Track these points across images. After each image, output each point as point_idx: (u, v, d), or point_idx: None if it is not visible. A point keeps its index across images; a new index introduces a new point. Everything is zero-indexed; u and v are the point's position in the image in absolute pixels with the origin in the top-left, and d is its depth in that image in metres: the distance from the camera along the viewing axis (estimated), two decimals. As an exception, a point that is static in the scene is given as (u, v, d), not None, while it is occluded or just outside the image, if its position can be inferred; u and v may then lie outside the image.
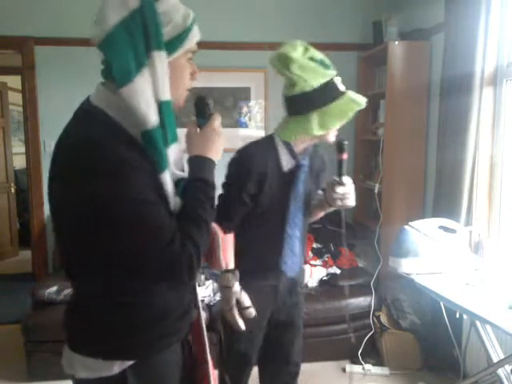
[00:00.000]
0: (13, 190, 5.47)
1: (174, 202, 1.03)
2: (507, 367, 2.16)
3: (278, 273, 1.74)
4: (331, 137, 1.67)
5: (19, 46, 3.41)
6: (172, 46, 1.01)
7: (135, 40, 0.96)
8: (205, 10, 3.57)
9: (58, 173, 1.00)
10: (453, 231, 2.38)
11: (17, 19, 3.39)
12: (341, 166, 1.61)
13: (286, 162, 1.66)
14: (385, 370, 2.91)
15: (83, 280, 1.12)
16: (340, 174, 1.62)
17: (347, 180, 1.62)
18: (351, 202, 1.65)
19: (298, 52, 1.55)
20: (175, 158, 1.05)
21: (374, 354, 3.04)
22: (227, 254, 1.28)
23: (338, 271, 3.23)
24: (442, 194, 2.83)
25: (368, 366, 2.94)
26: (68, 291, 2.92)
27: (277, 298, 1.79)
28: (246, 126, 3.66)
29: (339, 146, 1.62)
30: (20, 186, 5.69)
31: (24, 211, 5.36)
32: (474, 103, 2.56)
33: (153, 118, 0.98)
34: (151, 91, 0.98)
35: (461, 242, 2.38)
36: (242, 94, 3.61)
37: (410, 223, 2.34)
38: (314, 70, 1.53)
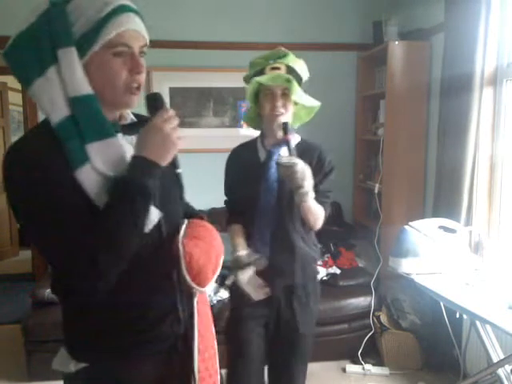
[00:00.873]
0: (13, 190, 5.47)
1: (102, 200, 0.98)
2: (507, 367, 2.16)
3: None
4: (270, 118, 1.77)
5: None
6: (86, 41, 0.97)
7: (39, 43, 0.97)
8: (204, 11, 3.59)
9: None
10: (453, 231, 2.38)
11: (17, 19, 3.38)
12: (288, 147, 1.68)
13: (262, 153, 1.85)
14: (385, 370, 2.91)
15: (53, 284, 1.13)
16: (290, 154, 1.68)
17: (292, 160, 1.62)
18: (296, 181, 1.61)
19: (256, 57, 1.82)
20: (108, 156, 0.99)
21: (374, 354, 3.04)
22: (199, 271, 1.07)
23: (338, 271, 3.23)
24: (442, 194, 2.82)
25: (368, 366, 2.94)
26: (68, 291, 2.93)
27: (271, 302, 1.78)
28: (246, 126, 3.66)
29: (283, 128, 1.71)
30: (20, 186, 5.68)
31: (24, 211, 5.34)
32: (473, 103, 2.56)
33: (58, 113, 0.97)
34: (58, 89, 0.97)
35: (461, 242, 2.38)
36: (242, 94, 3.61)
37: (410, 223, 2.34)
38: (254, 64, 1.80)
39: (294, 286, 1.83)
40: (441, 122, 2.86)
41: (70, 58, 0.97)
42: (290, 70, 1.76)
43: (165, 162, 1.01)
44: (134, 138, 1.07)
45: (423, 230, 2.30)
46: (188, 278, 1.06)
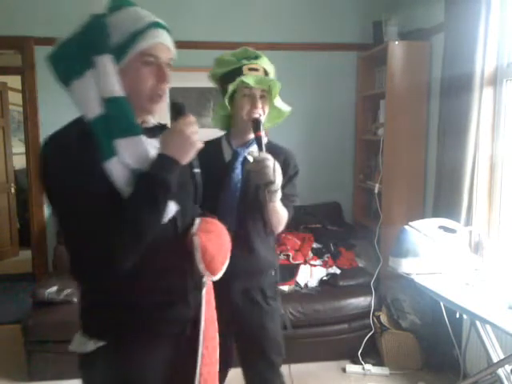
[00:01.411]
0: (13, 190, 5.48)
1: (126, 190, 1.09)
2: (507, 367, 2.16)
3: None
4: (246, 119, 1.73)
5: (19, 46, 3.41)
6: (120, 51, 1.11)
7: (80, 49, 1.11)
8: (205, 11, 3.59)
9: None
10: (453, 231, 2.38)
11: (17, 19, 3.39)
12: (259, 143, 1.66)
13: (227, 154, 1.82)
14: (385, 370, 2.91)
15: (70, 264, 1.20)
16: (260, 150, 1.66)
17: (263, 155, 1.62)
18: (267, 177, 1.59)
19: (223, 54, 1.80)
20: (134, 151, 1.11)
21: (374, 354, 3.04)
22: (211, 261, 1.21)
23: (338, 271, 3.23)
24: (442, 194, 2.82)
25: (368, 366, 2.94)
26: (68, 291, 2.93)
27: (227, 296, 1.73)
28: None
29: (255, 125, 1.68)
30: (20, 186, 5.68)
31: (24, 211, 5.35)
32: (473, 103, 2.56)
33: (92, 111, 1.09)
34: (95, 90, 1.10)
35: (461, 242, 2.38)
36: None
37: (410, 223, 2.34)
38: (223, 61, 1.77)
39: (253, 291, 1.80)
40: (441, 122, 2.86)
41: (106, 63, 1.10)
42: (266, 73, 1.76)
43: (184, 160, 1.15)
44: (153, 141, 1.18)
45: (423, 230, 2.30)
46: (202, 266, 1.19)
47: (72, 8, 3.44)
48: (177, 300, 1.22)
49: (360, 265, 3.35)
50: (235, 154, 1.79)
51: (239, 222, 1.75)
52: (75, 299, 2.91)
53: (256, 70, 1.73)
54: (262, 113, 1.73)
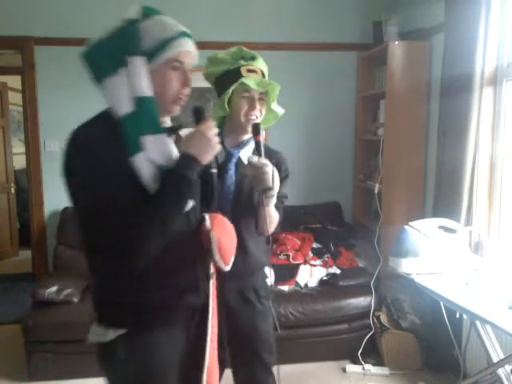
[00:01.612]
0: (13, 190, 5.48)
1: (154, 186, 1.18)
2: (507, 367, 2.16)
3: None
4: (243, 120, 1.73)
5: (19, 46, 3.41)
6: (150, 54, 1.20)
7: (113, 49, 1.20)
8: (204, 11, 3.58)
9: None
10: (453, 231, 2.38)
11: (17, 19, 3.39)
12: (258, 148, 1.65)
13: (220, 154, 1.75)
14: (385, 370, 2.91)
15: (86, 258, 1.29)
16: (259, 155, 1.65)
17: (263, 161, 1.61)
18: (266, 183, 1.60)
19: (217, 53, 1.79)
20: (159, 149, 1.20)
21: (374, 354, 3.04)
22: (227, 257, 1.34)
23: (338, 271, 3.23)
24: (442, 194, 2.82)
25: (368, 366, 2.94)
26: (68, 291, 2.93)
27: (221, 297, 1.69)
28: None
29: (254, 129, 1.67)
30: (20, 186, 5.69)
31: (24, 211, 5.35)
32: (473, 103, 2.56)
33: (123, 108, 1.18)
34: (127, 88, 1.18)
35: (461, 242, 2.38)
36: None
37: (410, 223, 2.34)
38: (219, 61, 1.76)
39: (247, 291, 1.81)
40: (441, 122, 2.86)
41: (138, 64, 1.19)
42: (263, 75, 1.76)
43: (205, 160, 1.25)
44: (170, 140, 1.27)
45: (423, 230, 2.30)
46: (218, 257, 1.30)
47: (72, 8, 3.45)
48: (189, 289, 1.32)
49: (360, 265, 3.35)
50: (229, 155, 1.77)
51: (233, 223, 1.75)
52: (75, 299, 2.91)
53: (254, 71, 1.72)
54: (259, 115, 1.73)
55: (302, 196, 3.66)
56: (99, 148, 1.15)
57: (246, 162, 1.75)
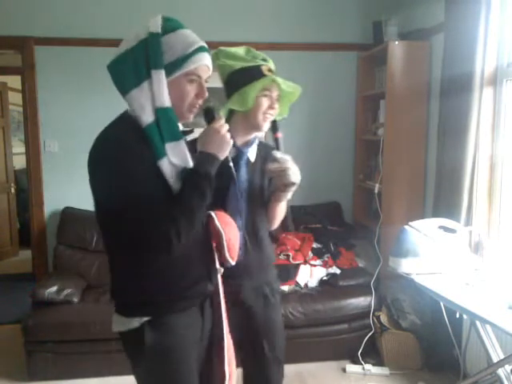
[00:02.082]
0: (13, 190, 5.48)
1: (176, 186, 1.29)
2: (507, 367, 2.16)
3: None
4: (260, 118, 1.73)
5: (19, 46, 3.41)
6: (171, 68, 1.28)
7: (137, 62, 1.27)
8: (204, 11, 3.58)
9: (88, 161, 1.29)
10: (453, 231, 2.38)
11: (17, 19, 3.39)
12: (277, 144, 1.73)
13: (230, 153, 1.74)
14: (385, 370, 2.91)
15: (108, 253, 1.38)
16: (279, 151, 1.71)
17: (285, 157, 1.67)
18: (292, 178, 1.65)
19: (230, 48, 1.84)
20: (178, 153, 1.30)
21: (374, 354, 3.04)
22: (233, 252, 1.46)
23: (338, 271, 3.23)
24: (442, 194, 2.82)
25: (368, 366, 2.94)
26: (68, 291, 2.93)
27: (239, 296, 1.75)
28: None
29: (273, 126, 1.74)
30: (20, 186, 5.69)
31: (24, 211, 5.35)
32: (473, 103, 2.56)
33: (147, 118, 1.27)
34: (149, 99, 1.27)
35: (461, 242, 2.38)
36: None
37: (410, 223, 2.34)
38: (236, 56, 1.78)
39: (263, 287, 1.82)
40: (441, 122, 2.86)
41: (160, 77, 1.27)
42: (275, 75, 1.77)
43: (222, 156, 1.37)
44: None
45: (423, 230, 2.30)
46: (227, 254, 1.44)
47: (72, 8, 3.45)
48: (202, 278, 1.42)
49: (360, 265, 3.35)
50: (240, 154, 1.78)
51: (248, 220, 1.78)
52: (75, 299, 2.92)
53: (271, 71, 1.74)
54: (274, 114, 1.76)
55: (302, 196, 3.65)
56: (132, 147, 1.23)
57: (252, 160, 1.79)
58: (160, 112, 1.28)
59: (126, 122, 1.30)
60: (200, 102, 1.36)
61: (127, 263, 1.34)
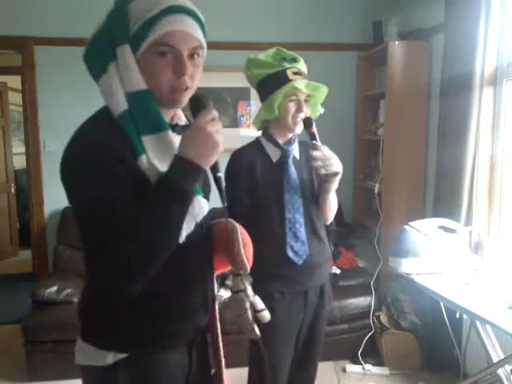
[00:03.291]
0: (13, 190, 5.47)
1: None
2: (507, 367, 2.16)
3: (285, 261, 1.76)
4: (291, 122, 1.76)
5: (19, 46, 3.41)
6: (136, 40, 1.00)
7: (103, 41, 1.02)
8: (204, 11, 3.57)
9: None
10: (453, 231, 2.38)
11: (17, 19, 3.38)
12: (314, 138, 1.74)
13: (274, 154, 1.82)
14: (385, 370, 2.91)
15: (86, 270, 1.10)
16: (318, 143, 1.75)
17: (326, 148, 1.72)
18: (335, 167, 1.70)
19: (256, 54, 1.80)
20: (161, 150, 1.01)
21: (373, 354, 3.04)
22: (249, 251, 1.21)
23: (338, 271, 3.23)
24: (442, 194, 2.82)
25: (368, 366, 2.94)
26: (68, 291, 2.93)
27: (306, 301, 1.82)
28: (246, 126, 3.66)
29: (306, 123, 1.76)
30: (20, 186, 5.68)
31: (24, 211, 5.35)
32: (474, 103, 2.56)
33: (118, 107, 1.01)
34: (119, 84, 1.01)
35: (461, 242, 2.38)
36: (242, 94, 3.61)
37: (410, 223, 2.34)
38: (263, 63, 1.76)
39: (324, 284, 1.87)
40: (441, 122, 2.86)
41: (125, 55, 1.00)
42: (306, 76, 1.78)
43: (206, 164, 0.99)
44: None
45: (423, 230, 2.30)
46: (245, 260, 1.15)
47: (72, 8, 3.45)
48: (197, 308, 1.16)
49: (360, 265, 3.35)
50: (286, 153, 1.81)
51: (307, 216, 1.82)
52: (75, 299, 2.91)
53: (299, 73, 1.74)
54: (304, 116, 1.78)
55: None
56: (96, 148, 0.97)
57: (298, 158, 1.84)
58: (131, 97, 1.00)
59: (105, 115, 1.04)
60: (184, 80, 1.02)
61: (97, 282, 1.06)
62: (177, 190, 0.96)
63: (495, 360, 2.18)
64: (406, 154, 3.18)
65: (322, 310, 1.88)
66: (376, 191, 3.27)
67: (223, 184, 1.07)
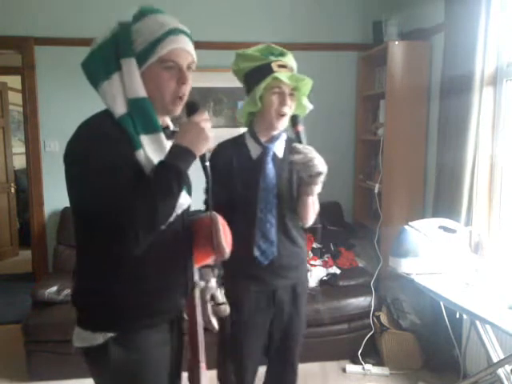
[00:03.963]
0: (13, 190, 5.47)
1: None
2: (507, 367, 2.16)
3: (251, 259, 1.75)
4: (274, 116, 1.74)
5: (19, 46, 3.41)
6: (143, 56, 1.20)
7: (107, 54, 1.21)
8: (204, 11, 3.58)
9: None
10: (453, 231, 2.38)
11: (17, 19, 3.38)
12: (299, 138, 1.70)
13: (254, 150, 1.80)
14: (385, 370, 2.91)
15: (77, 252, 1.29)
16: (302, 143, 1.70)
17: (309, 148, 1.67)
18: (318, 167, 1.66)
19: (245, 49, 1.81)
20: (156, 148, 1.21)
21: (373, 354, 3.03)
22: (228, 236, 1.37)
23: (338, 271, 3.23)
24: (442, 194, 2.82)
25: (368, 366, 2.94)
26: (68, 291, 2.93)
27: (274, 301, 1.79)
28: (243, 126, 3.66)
29: (293, 120, 1.73)
30: (20, 186, 5.69)
31: (24, 211, 5.35)
32: (473, 103, 2.56)
33: (119, 110, 1.19)
34: (121, 91, 1.21)
35: (461, 242, 2.38)
36: (241, 94, 3.60)
37: (410, 223, 2.34)
38: (250, 57, 1.76)
39: (297, 285, 1.84)
40: (441, 122, 2.86)
41: (131, 66, 1.20)
42: (292, 70, 1.77)
43: (198, 152, 1.22)
44: (170, 143, 1.26)
45: (423, 230, 2.30)
46: (223, 239, 1.33)
47: (72, 8, 3.45)
48: (177, 290, 1.33)
49: (360, 265, 3.35)
50: (266, 150, 1.78)
51: (280, 217, 1.78)
52: (75, 299, 2.91)
53: (285, 66, 1.73)
54: (289, 110, 1.74)
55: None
56: (110, 139, 1.15)
57: (280, 156, 1.80)
58: (132, 103, 1.20)
59: (107, 115, 1.22)
60: (184, 89, 1.25)
61: (94, 264, 1.23)
62: (175, 168, 1.17)
63: (495, 360, 2.18)
64: (406, 154, 3.18)
65: (297, 310, 1.84)
66: (376, 191, 3.27)
67: (209, 172, 1.29)
